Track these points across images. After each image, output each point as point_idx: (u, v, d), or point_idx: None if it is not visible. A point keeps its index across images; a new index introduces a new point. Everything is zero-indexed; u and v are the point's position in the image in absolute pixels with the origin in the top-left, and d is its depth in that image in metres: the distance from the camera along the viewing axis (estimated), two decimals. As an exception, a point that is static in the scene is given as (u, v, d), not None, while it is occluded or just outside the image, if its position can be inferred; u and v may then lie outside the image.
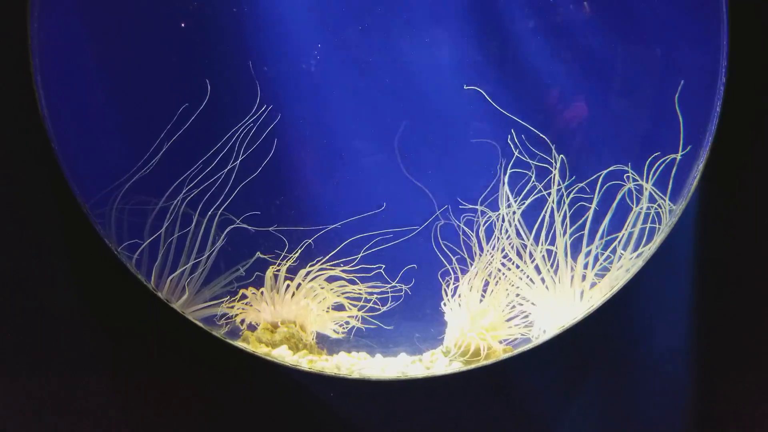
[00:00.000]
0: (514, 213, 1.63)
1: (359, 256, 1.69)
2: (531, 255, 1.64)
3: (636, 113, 1.62)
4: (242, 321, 1.72)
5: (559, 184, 1.61)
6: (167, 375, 1.69)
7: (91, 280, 1.59)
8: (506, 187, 1.63)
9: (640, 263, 1.57)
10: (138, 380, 1.65)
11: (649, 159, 1.54)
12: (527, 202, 1.62)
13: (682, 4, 1.57)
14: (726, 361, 1.65)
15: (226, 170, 1.60)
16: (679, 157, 1.53)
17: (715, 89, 1.49)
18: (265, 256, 1.69)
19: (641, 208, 1.57)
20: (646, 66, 1.59)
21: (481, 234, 1.66)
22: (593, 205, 1.60)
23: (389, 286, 1.71)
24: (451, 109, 1.71)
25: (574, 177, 1.60)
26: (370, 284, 1.71)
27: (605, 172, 1.58)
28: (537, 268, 1.65)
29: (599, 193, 1.59)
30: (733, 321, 1.62)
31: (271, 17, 1.65)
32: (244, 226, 1.65)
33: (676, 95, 1.51)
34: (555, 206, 1.61)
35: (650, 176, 1.55)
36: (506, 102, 1.63)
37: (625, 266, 1.59)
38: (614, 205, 1.59)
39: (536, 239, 1.64)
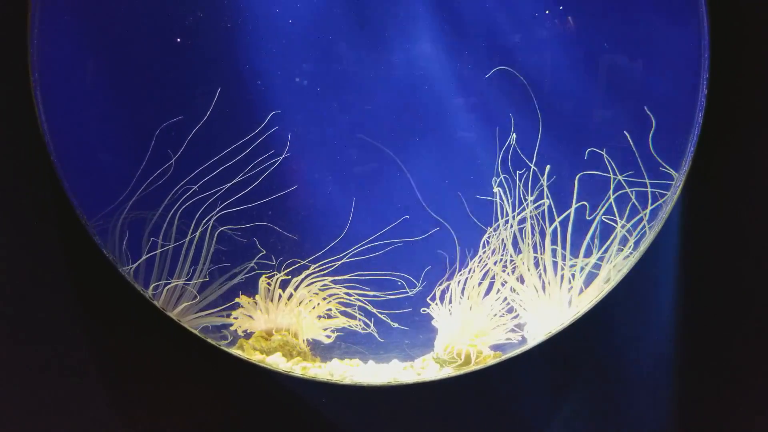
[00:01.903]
0: (506, 221, 1.66)
1: (351, 260, 1.73)
2: (520, 260, 1.68)
3: (620, 124, 1.65)
4: (237, 329, 1.75)
5: (546, 196, 1.64)
6: (163, 382, 1.71)
7: (89, 289, 1.62)
8: (497, 191, 1.67)
9: (625, 270, 1.60)
10: (134, 387, 1.67)
11: (644, 154, 1.58)
12: (519, 211, 1.66)
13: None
14: (711, 368, 1.67)
15: (222, 181, 1.64)
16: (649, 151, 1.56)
17: (697, 102, 1.53)
18: (259, 266, 1.72)
19: (624, 217, 1.61)
20: (628, 75, 1.63)
21: (473, 240, 1.69)
22: (573, 209, 1.64)
23: (382, 291, 1.74)
24: (441, 119, 1.74)
25: (554, 178, 1.65)
26: (362, 291, 1.74)
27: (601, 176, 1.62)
28: (527, 273, 1.68)
29: (582, 199, 1.63)
30: (717, 328, 1.64)
31: (264, 32, 1.69)
32: (243, 222, 1.69)
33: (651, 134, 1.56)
34: (543, 212, 1.65)
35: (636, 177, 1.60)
36: (493, 112, 1.67)
37: (612, 272, 1.62)
38: (599, 214, 1.63)
39: (526, 245, 1.67)
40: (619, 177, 1.59)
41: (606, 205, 1.62)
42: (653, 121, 1.56)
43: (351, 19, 1.71)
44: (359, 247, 1.71)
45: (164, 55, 1.65)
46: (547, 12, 1.63)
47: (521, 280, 1.68)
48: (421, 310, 1.72)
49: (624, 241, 1.61)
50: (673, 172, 1.57)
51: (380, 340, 1.75)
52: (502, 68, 1.67)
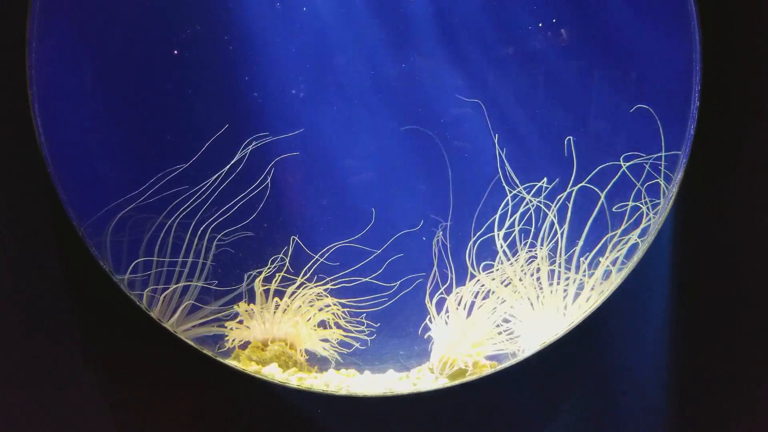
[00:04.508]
0: (502, 232, 1.68)
1: (347, 271, 1.73)
2: (515, 271, 1.68)
3: (613, 135, 1.67)
4: (233, 339, 1.75)
5: (541, 201, 1.66)
6: (159, 393, 1.71)
7: (85, 299, 1.62)
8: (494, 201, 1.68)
9: (618, 280, 1.61)
10: (129, 398, 1.67)
11: (632, 160, 1.60)
12: (516, 219, 1.67)
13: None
14: (705, 376, 1.68)
15: (217, 192, 1.65)
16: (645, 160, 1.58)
17: (689, 113, 1.55)
18: (254, 277, 1.73)
19: (619, 224, 1.62)
20: (620, 88, 1.65)
21: (467, 250, 1.70)
22: (567, 222, 1.65)
23: (377, 302, 1.74)
24: (437, 129, 1.76)
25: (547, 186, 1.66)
26: (358, 301, 1.75)
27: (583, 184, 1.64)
28: (521, 284, 1.69)
29: (576, 209, 1.64)
30: (711, 336, 1.65)
31: (261, 45, 1.71)
32: (245, 232, 1.70)
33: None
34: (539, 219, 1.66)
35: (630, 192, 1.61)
36: (490, 122, 1.69)
37: (606, 282, 1.63)
38: (589, 224, 1.64)
39: (520, 254, 1.68)
40: (629, 171, 1.60)
41: (599, 215, 1.63)
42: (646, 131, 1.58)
43: (347, 31, 1.73)
44: (352, 255, 1.72)
45: (161, 67, 1.66)
46: (540, 25, 1.65)
47: (516, 290, 1.69)
48: (428, 321, 1.72)
49: (618, 251, 1.62)
50: (665, 183, 1.59)
51: (376, 351, 1.76)
52: (497, 81, 1.70)
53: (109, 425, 1.65)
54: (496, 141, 1.66)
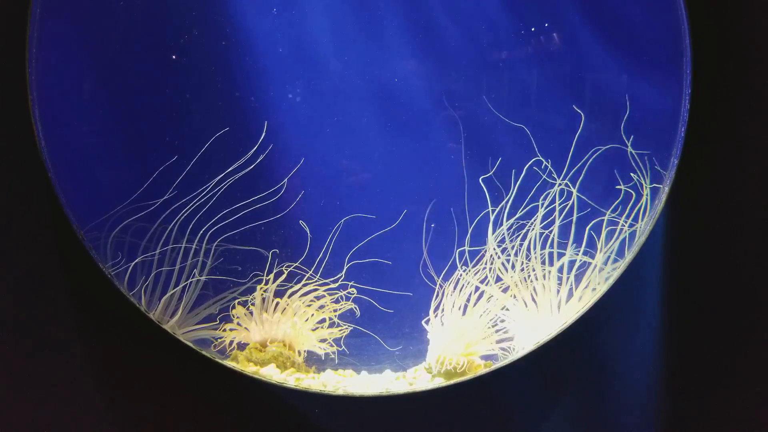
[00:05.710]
0: (496, 233, 1.69)
1: (344, 272, 1.75)
2: (506, 270, 1.70)
3: (605, 135, 1.69)
4: (232, 341, 1.76)
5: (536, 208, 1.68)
6: (157, 394, 1.72)
7: (85, 302, 1.63)
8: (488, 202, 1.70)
9: (611, 280, 1.63)
10: (128, 399, 1.68)
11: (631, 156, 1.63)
12: (511, 220, 1.69)
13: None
14: (698, 378, 1.69)
15: (216, 195, 1.66)
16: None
17: (679, 116, 1.57)
18: (253, 279, 1.75)
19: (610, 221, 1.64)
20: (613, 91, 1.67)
21: (463, 251, 1.72)
22: (557, 221, 1.67)
23: (375, 303, 1.76)
24: (430, 131, 1.78)
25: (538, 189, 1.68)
26: (355, 302, 1.76)
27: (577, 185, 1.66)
28: (515, 285, 1.71)
29: (569, 210, 1.66)
30: (704, 337, 1.66)
31: (258, 50, 1.73)
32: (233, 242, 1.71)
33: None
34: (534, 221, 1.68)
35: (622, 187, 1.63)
36: (483, 126, 1.71)
37: (599, 281, 1.65)
38: (574, 218, 1.66)
39: (516, 254, 1.70)
40: (623, 168, 1.62)
41: (592, 214, 1.65)
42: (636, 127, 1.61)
43: (342, 36, 1.75)
44: (350, 256, 1.74)
45: (160, 72, 1.68)
46: (532, 29, 1.67)
47: (510, 291, 1.71)
48: (424, 322, 1.74)
49: (611, 249, 1.64)
50: (658, 181, 1.61)
51: (372, 351, 1.77)
52: (490, 85, 1.72)
53: (109, 426, 1.65)
54: (520, 133, 1.68)
